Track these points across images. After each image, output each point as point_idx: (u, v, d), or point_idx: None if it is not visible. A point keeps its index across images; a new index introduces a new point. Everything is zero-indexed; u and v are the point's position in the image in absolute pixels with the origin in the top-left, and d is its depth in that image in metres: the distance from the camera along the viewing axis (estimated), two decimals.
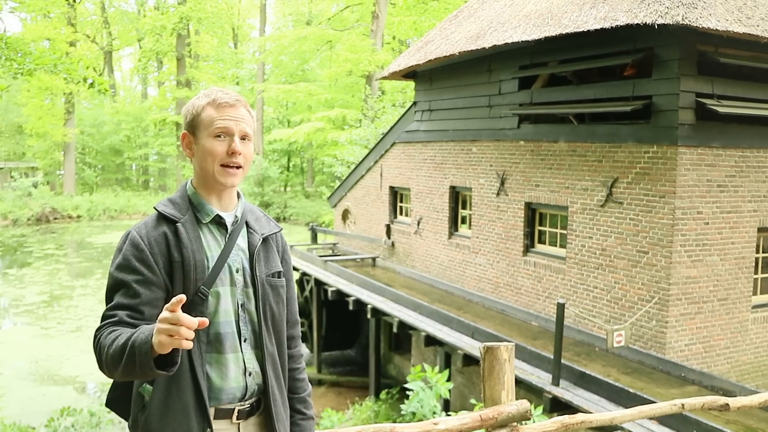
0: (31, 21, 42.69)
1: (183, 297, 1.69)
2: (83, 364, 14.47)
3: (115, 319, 1.93)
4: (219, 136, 2.08)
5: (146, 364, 1.75)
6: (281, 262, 2.29)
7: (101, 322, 1.95)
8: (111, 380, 2.22)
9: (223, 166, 2.08)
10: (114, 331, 1.89)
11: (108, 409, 2.35)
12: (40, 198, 38.93)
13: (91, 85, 9.72)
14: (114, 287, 2.00)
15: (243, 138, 2.11)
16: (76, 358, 14.93)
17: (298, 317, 2.44)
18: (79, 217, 39.06)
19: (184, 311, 1.92)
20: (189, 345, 1.69)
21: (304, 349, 15.65)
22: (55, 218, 38.34)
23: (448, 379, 5.61)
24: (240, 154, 2.08)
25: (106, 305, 1.98)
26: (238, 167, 2.10)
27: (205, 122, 2.09)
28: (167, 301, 1.85)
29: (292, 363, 2.36)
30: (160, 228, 2.06)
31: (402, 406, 5.40)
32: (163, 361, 1.78)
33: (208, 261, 2.07)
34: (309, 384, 2.44)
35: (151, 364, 1.75)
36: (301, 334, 2.48)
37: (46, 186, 43.84)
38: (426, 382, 4.98)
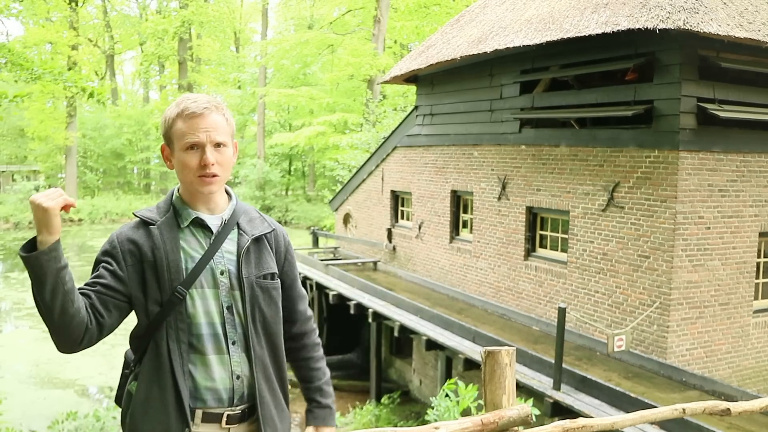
0: (33, 24, 42.75)
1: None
2: (84, 367, 14.46)
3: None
4: (192, 148, 2.09)
5: (28, 257, 1.86)
6: (283, 261, 2.28)
7: None
8: (119, 380, 2.24)
9: (199, 176, 2.10)
10: None
11: (113, 415, 2.38)
12: None
13: (90, 94, 9.87)
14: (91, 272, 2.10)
15: (216, 146, 2.11)
16: (77, 361, 14.90)
17: (310, 312, 2.43)
18: (80, 220, 39.06)
19: (163, 310, 2.02)
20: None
21: None
22: None
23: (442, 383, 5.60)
24: (213, 165, 2.09)
25: None
26: (215, 175, 2.11)
27: (177, 135, 2.11)
28: (144, 295, 2.03)
29: (306, 353, 2.37)
30: (136, 230, 2.13)
31: (427, 417, 5.40)
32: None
33: (186, 262, 2.08)
34: (327, 371, 2.43)
35: (29, 248, 1.86)
36: (316, 327, 2.47)
37: (48, 189, 43.80)
38: (456, 394, 4.99)
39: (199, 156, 2.08)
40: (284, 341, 2.27)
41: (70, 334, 1.93)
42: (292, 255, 2.34)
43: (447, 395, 5.17)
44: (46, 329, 1.93)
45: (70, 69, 40.71)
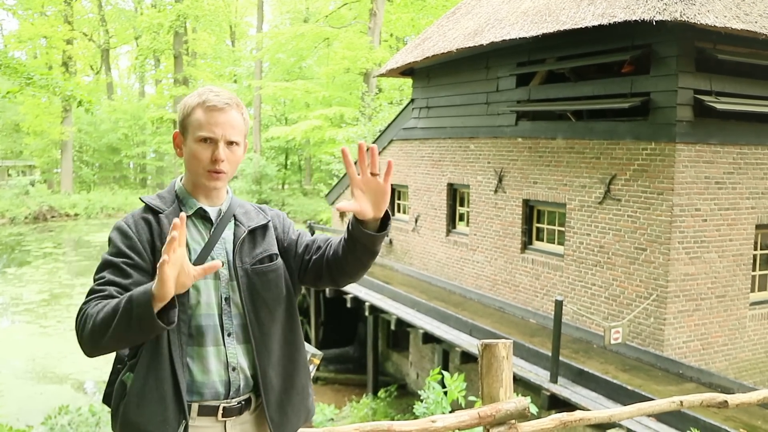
0: (26, 17, 42.58)
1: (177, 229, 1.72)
2: (81, 361, 14.44)
3: (105, 293, 1.92)
4: (205, 141, 2.06)
5: (145, 313, 1.74)
6: (282, 233, 2.25)
7: (88, 296, 1.93)
8: (108, 377, 2.21)
9: (207, 171, 2.08)
10: (102, 302, 1.88)
11: (108, 409, 2.31)
12: (38, 196, 38.84)
13: (80, 102, 10.14)
14: (103, 267, 2.00)
15: (229, 143, 2.09)
16: (74, 355, 14.90)
17: (324, 236, 2.30)
18: (76, 215, 38.99)
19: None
20: (191, 277, 1.76)
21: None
22: (53, 216, 38.26)
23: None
24: (223, 162, 2.07)
25: (95, 283, 1.97)
26: (223, 172, 2.08)
27: (193, 125, 2.08)
28: None
29: (328, 242, 2.21)
30: (145, 217, 2.08)
31: (415, 406, 5.37)
32: (162, 318, 1.78)
33: (190, 253, 2.05)
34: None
35: (150, 312, 1.73)
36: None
37: (44, 184, 43.74)
38: (442, 385, 4.97)
39: (210, 150, 2.06)
40: (324, 263, 2.16)
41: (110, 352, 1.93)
42: (288, 225, 2.31)
43: (434, 387, 5.16)
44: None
45: (64, 63, 40.76)
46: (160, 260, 1.69)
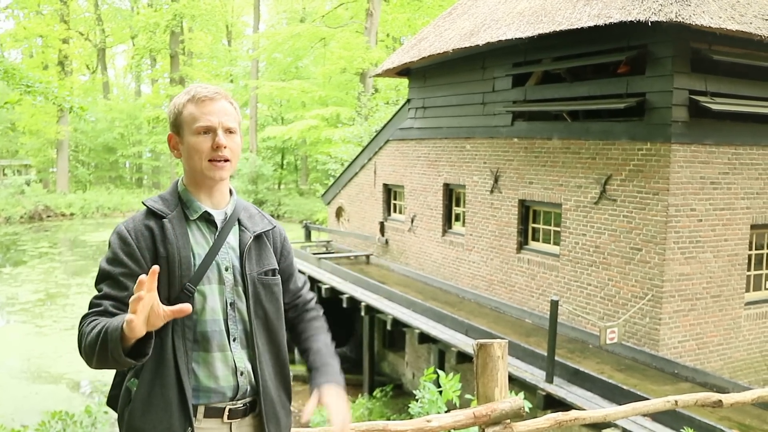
0: (23, 16, 42.51)
1: (153, 271, 1.72)
2: (76, 361, 14.37)
3: (101, 308, 1.94)
4: (203, 132, 2.06)
5: (116, 349, 1.76)
6: (281, 257, 2.26)
7: (88, 310, 1.97)
8: (108, 376, 2.21)
9: (210, 161, 2.06)
10: (96, 319, 1.90)
11: (106, 408, 2.34)
12: (33, 196, 38.78)
13: (71, 109, 10.53)
14: (101, 278, 2.02)
15: (227, 131, 2.08)
16: (69, 355, 14.85)
17: (312, 294, 2.47)
18: (72, 214, 38.92)
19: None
20: (148, 323, 1.73)
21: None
22: (48, 216, 38.20)
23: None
24: (225, 148, 2.06)
25: (94, 296, 2.01)
26: (226, 160, 2.07)
27: (187, 120, 2.07)
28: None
29: (305, 309, 2.43)
30: (147, 223, 2.06)
31: (410, 406, 5.37)
32: (135, 350, 1.79)
33: (194, 258, 2.05)
34: (324, 328, 2.47)
35: (119, 350, 1.75)
36: (316, 303, 2.52)
37: (39, 184, 43.65)
38: (437, 385, 4.97)
39: (211, 140, 2.05)
40: (291, 322, 2.32)
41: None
42: (288, 250, 2.33)
43: (429, 387, 5.16)
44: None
45: (60, 62, 40.66)
46: (126, 319, 1.70)
